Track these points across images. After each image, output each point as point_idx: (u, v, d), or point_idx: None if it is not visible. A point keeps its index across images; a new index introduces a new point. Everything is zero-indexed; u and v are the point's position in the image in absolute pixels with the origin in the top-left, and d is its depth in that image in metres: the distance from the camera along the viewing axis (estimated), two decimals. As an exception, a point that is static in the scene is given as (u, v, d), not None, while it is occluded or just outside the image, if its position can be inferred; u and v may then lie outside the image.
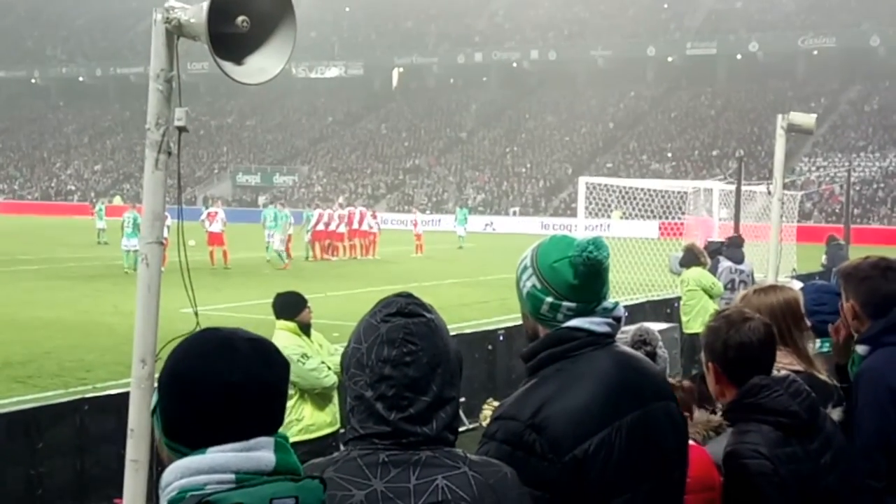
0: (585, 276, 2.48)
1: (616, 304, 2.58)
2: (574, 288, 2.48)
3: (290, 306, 7.25)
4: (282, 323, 7.23)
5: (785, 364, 3.48)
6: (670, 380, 2.99)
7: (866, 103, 66.46)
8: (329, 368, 7.10)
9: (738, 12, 74.87)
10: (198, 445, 1.82)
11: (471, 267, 31.26)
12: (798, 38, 69.77)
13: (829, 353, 4.08)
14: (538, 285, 2.51)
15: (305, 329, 7.25)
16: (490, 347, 11.52)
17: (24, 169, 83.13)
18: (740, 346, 3.10)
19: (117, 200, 64.64)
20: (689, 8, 77.63)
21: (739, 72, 73.13)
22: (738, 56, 73.51)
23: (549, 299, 2.50)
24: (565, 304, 2.49)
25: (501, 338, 11.66)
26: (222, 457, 1.80)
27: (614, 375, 2.46)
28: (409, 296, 2.14)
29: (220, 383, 1.82)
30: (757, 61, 72.07)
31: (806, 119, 8.56)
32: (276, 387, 1.88)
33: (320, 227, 34.39)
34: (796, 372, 3.44)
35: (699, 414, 3.31)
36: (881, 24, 67.71)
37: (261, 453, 1.82)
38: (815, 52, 70.36)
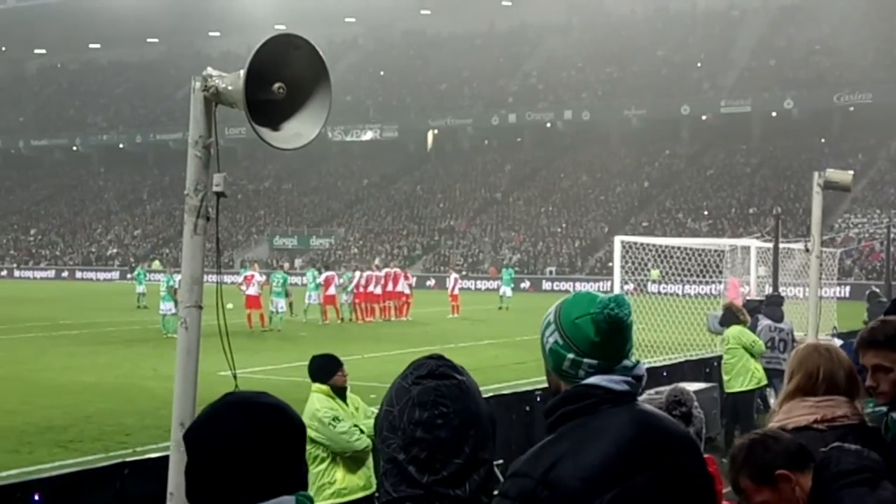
0: (607, 333, 2.47)
1: (637, 362, 2.56)
2: (595, 345, 2.48)
3: (322, 370, 7.28)
4: (316, 386, 7.26)
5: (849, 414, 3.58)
6: None
7: (905, 159, 66.06)
8: (362, 432, 7.08)
9: (771, 70, 74.88)
10: None
11: (507, 328, 31.15)
12: (833, 95, 69.58)
13: (871, 413, 4.04)
14: (560, 341, 2.51)
15: (339, 392, 7.25)
16: (528, 409, 11.42)
17: (65, 235, 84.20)
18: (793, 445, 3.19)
19: (156, 265, 65.21)
20: (722, 66, 77.76)
21: (775, 129, 72.93)
22: (773, 113, 73.36)
23: (571, 356, 2.50)
24: (586, 360, 2.48)
25: (539, 399, 11.56)
26: None
27: (631, 433, 2.44)
28: (440, 358, 2.13)
29: (212, 449, 1.95)
30: (792, 118, 71.89)
31: (843, 176, 8.55)
32: (276, 450, 1.96)
33: (361, 288, 34.48)
34: (853, 425, 3.51)
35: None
36: (917, 80, 67.50)
37: None
38: (852, 109, 70.10)
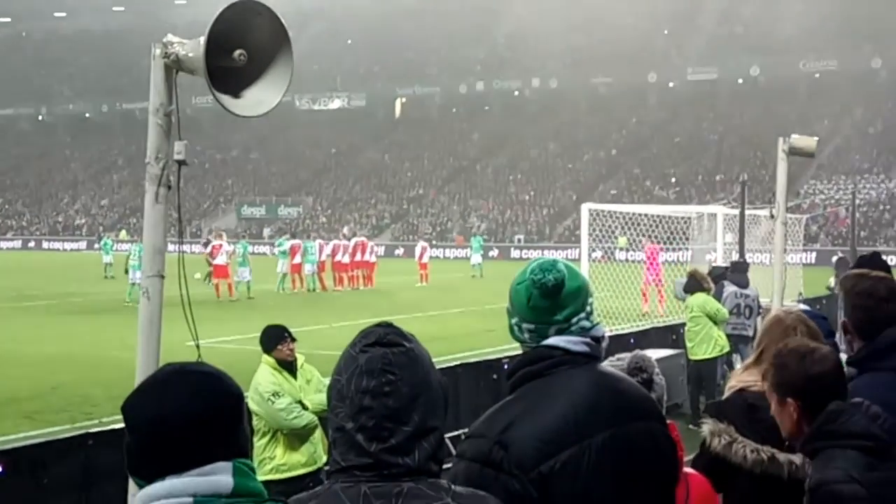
0: (536, 298, 2.57)
1: (596, 324, 2.62)
2: (528, 309, 2.59)
3: (264, 341, 7.12)
4: (265, 357, 7.10)
5: None
6: None
7: (870, 125, 66.53)
8: (305, 408, 6.90)
9: (738, 37, 75.10)
10: (151, 478, 1.94)
11: (476, 296, 31.19)
12: (799, 62, 69.94)
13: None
14: (508, 306, 2.65)
15: (286, 365, 7.05)
16: (495, 377, 11.45)
17: (32, 205, 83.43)
18: (819, 377, 3.12)
19: (123, 235, 64.74)
20: (689, 33, 77.89)
21: (741, 96, 73.30)
22: (740, 80, 73.69)
23: (514, 320, 2.64)
24: (525, 325, 2.60)
25: (505, 366, 11.60)
26: (179, 482, 1.91)
27: (588, 394, 2.49)
28: (388, 325, 2.12)
29: (147, 417, 1.95)
30: (758, 85, 72.25)
31: (807, 142, 8.57)
32: (211, 417, 1.97)
33: (324, 257, 34.49)
34: None
35: None
36: (882, 47, 67.88)
37: (218, 477, 1.92)
38: (817, 76, 70.51)
